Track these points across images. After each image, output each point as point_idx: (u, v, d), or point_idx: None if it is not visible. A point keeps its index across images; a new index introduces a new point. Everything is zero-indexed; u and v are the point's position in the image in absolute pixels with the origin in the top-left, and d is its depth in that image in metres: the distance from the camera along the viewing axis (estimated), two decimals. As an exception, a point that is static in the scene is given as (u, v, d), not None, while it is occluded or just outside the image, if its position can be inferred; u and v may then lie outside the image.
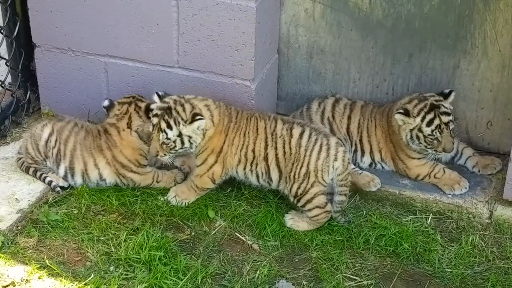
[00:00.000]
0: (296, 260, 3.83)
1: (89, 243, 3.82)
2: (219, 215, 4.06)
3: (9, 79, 4.53)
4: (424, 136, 4.02)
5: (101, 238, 3.86)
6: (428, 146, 4.04)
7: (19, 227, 3.89)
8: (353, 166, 4.19)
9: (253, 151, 3.94)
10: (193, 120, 3.83)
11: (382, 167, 4.26)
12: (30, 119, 4.61)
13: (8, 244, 3.78)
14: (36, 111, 4.67)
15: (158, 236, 3.83)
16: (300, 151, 3.86)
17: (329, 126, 4.24)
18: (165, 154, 3.90)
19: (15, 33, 4.42)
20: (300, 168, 3.86)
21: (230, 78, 4.17)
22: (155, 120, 3.87)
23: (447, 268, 3.77)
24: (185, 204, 4.06)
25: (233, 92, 4.19)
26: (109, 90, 4.42)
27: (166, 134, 3.84)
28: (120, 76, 4.37)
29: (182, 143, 3.88)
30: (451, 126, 4.04)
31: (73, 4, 4.25)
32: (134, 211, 4.02)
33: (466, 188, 4.08)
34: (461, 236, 3.94)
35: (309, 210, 3.91)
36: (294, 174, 3.87)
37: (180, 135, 3.85)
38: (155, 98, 3.94)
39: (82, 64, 4.41)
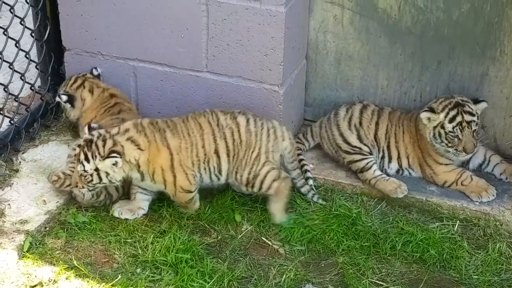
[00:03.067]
0: (322, 265, 3.84)
1: (116, 245, 3.85)
2: (245, 219, 4.07)
3: (38, 83, 4.56)
4: (445, 133, 4.02)
5: (128, 240, 3.88)
6: (449, 144, 4.04)
7: (47, 228, 3.92)
8: (379, 173, 4.19)
9: (203, 147, 3.93)
10: (107, 156, 3.77)
11: (409, 173, 4.25)
12: (58, 122, 4.64)
13: (36, 245, 3.82)
14: (65, 115, 4.71)
15: (185, 239, 3.85)
16: (251, 137, 3.93)
17: (356, 132, 4.25)
18: (83, 187, 3.86)
19: (46, 36, 4.45)
20: (252, 153, 3.93)
21: (258, 83, 4.19)
22: (77, 150, 3.86)
23: (474, 275, 3.76)
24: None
25: (261, 97, 4.21)
26: (137, 94, 4.46)
27: (83, 166, 3.80)
28: (149, 80, 4.40)
29: (100, 178, 3.81)
30: (474, 127, 4.03)
31: (103, 9, 4.29)
32: (161, 214, 4.04)
33: (493, 195, 4.07)
34: (488, 244, 3.93)
35: (268, 188, 3.97)
36: (246, 160, 3.93)
37: (97, 169, 3.80)
38: (85, 129, 3.91)
39: (111, 68, 4.44)
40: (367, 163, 4.19)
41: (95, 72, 4.43)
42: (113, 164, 3.77)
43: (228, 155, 3.95)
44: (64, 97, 4.31)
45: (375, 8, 4.24)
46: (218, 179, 4.02)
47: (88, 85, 4.37)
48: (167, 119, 3.98)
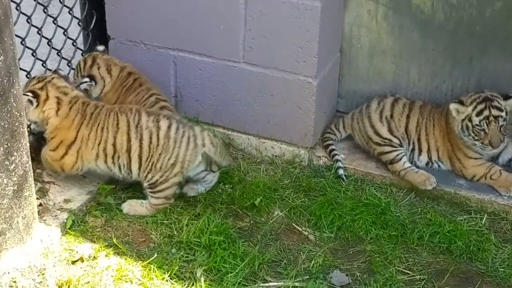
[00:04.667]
0: (351, 252, 3.95)
1: (153, 226, 3.99)
2: (277, 205, 4.19)
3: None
4: (472, 126, 4.11)
5: (164, 221, 4.02)
6: (476, 137, 4.13)
7: (88, 208, 4.08)
8: (409, 164, 4.30)
9: (114, 145, 4.00)
10: (25, 93, 3.96)
11: (438, 166, 4.35)
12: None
13: (78, 223, 3.98)
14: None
15: (218, 222, 3.98)
16: (169, 143, 3.97)
17: (387, 124, 4.36)
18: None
19: (92, 25, 4.62)
20: (168, 159, 3.97)
21: (293, 74, 4.30)
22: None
23: (500, 268, 3.83)
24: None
25: (295, 88, 4.32)
26: (177, 82, 4.60)
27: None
28: (188, 69, 4.54)
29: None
30: (501, 122, 4.11)
31: (146, 0, 4.44)
32: (196, 198, 4.17)
33: None
34: (515, 237, 4.01)
35: (157, 198, 4.05)
36: (161, 165, 3.98)
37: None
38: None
39: (153, 57, 4.59)
40: (397, 155, 4.30)
41: (100, 48, 4.55)
42: (28, 102, 3.98)
43: (140, 156, 4.00)
44: (87, 79, 4.40)
45: (408, 4, 4.34)
46: (130, 176, 4.08)
47: (103, 63, 4.49)
48: (99, 107, 4.06)
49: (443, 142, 4.32)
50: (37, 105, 4.03)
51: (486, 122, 4.11)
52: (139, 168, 4.02)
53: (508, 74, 4.31)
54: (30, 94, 4.00)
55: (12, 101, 3.38)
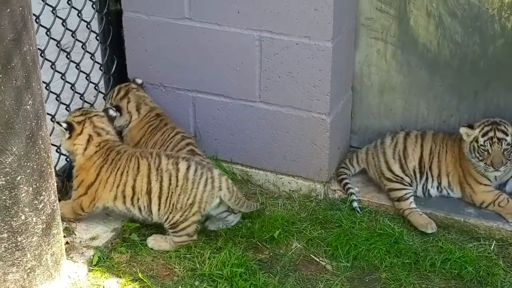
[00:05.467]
0: (367, 280, 4.10)
1: (176, 260, 4.16)
2: (295, 238, 4.36)
3: (105, 112, 4.94)
4: (478, 147, 4.30)
5: (187, 255, 4.18)
6: (480, 158, 4.30)
7: (114, 245, 4.25)
8: (415, 206, 4.47)
9: (133, 187, 4.17)
10: (60, 123, 4.24)
11: (448, 193, 4.52)
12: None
13: (104, 259, 4.14)
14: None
15: (239, 255, 4.14)
16: (187, 184, 4.13)
17: (399, 162, 4.54)
18: None
19: (113, 70, 4.81)
20: (187, 200, 4.13)
21: (308, 112, 4.48)
22: None
23: (508, 291, 4.01)
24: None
25: (309, 125, 4.51)
26: (196, 122, 4.79)
27: None
28: (206, 109, 4.73)
29: None
30: (504, 145, 4.27)
31: (165, 45, 4.65)
32: (217, 232, 4.35)
33: None
34: (523, 262, 4.17)
35: (180, 236, 4.20)
36: (181, 205, 4.14)
37: None
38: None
39: (172, 98, 4.78)
40: (405, 193, 4.48)
41: (138, 81, 4.73)
42: (62, 130, 4.23)
43: (160, 197, 4.16)
44: (112, 112, 4.45)
45: (415, 43, 4.54)
46: (150, 217, 4.24)
47: (134, 99, 4.68)
48: (120, 153, 4.23)
49: (455, 167, 4.48)
50: (69, 137, 4.24)
51: (489, 143, 4.29)
52: (159, 210, 4.18)
53: (510, 108, 4.49)
54: (64, 124, 4.22)
55: (40, 143, 3.54)
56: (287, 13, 4.28)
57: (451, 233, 4.39)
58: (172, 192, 4.15)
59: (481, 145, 4.30)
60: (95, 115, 4.31)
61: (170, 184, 4.15)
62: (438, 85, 4.60)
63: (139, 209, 4.22)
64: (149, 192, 4.17)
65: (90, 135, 4.25)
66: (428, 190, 4.55)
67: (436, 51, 4.51)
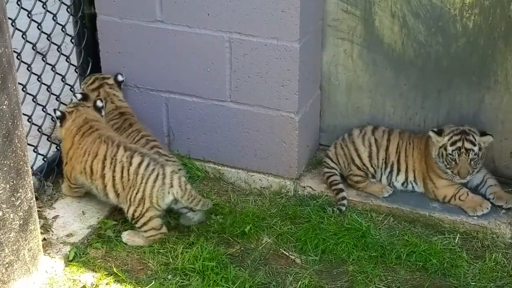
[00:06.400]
0: (334, 273, 4.23)
1: (150, 255, 4.27)
2: (265, 233, 4.48)
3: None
4: (446, 155, 4.42)
5: (161, 250, 4.29)
6: (447, 166, 4.44)
7: (89, 241, 4.36)
8: (374, 180, 4.68)
9: (91, 168, 4.35)
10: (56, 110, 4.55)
11: (413, 187, 4.66)
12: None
13: (80, 255, 4.25)
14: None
15: (211, 249, 4.25)
16: (137, 178, 4.25)
17: (369, 149, 4.68)
18: None
19: (88, 71, 4.93)
20: (137, 194, 4.25)
21: (277, 110, 4.60)
22: None
23: (471, 282, 4.12)
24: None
25: (279, 124, 4.63)
26: (169, 122, 4.91)
27: None
28: (179, 109, 4.84)
29: None
30: (471, 155, 4.40)
31: (138, 47, 4.76)
32: (190, 228, 4.46)
33: (487, 208, 4.45)
34: (485, 254, 4.29)
35: (146, 231, 4.32)
36: (131, 198, 4.27)
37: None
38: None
39: (146, 99, 4.89)
40: (365, 179, 4.68)
41: (120, 78, 4.84)
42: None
43: (114, 187, 4.31)
44: (79, 95, 4.72)
45: (381, 43, 4.67)
46: (108, 200, 4.40)
47: (103, 95, 4.78)
48: (94, 127, 4.44)
49: (420, 164, 4.62)
50: (61, 126, 4.49)
51: (457, 153, 4.41)
52: (117, 198, 4.33)
53: (473, 105, 4.63)
54: (59, 113, 4.51)
55: (17, 141, 3.66)
56: (255, 15, 4.41)
57: (416, 227, 4.52)
58: (124, 185, 4.28)
59: (449, 154, 4.42)
60: (82, 106, 4.55)
61: (122, 176, 4.28)
62: (403, 84, 4.73)
63: (97, 189, 4.38)
64: (103, 177, 4.32)
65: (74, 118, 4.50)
66: (392, 182, 4.69)
67: (400, 50, 4.65)
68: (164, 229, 4.36)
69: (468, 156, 4.41)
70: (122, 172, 4.29)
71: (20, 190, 3.74)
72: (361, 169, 4.69)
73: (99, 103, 4.59)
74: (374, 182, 4.66)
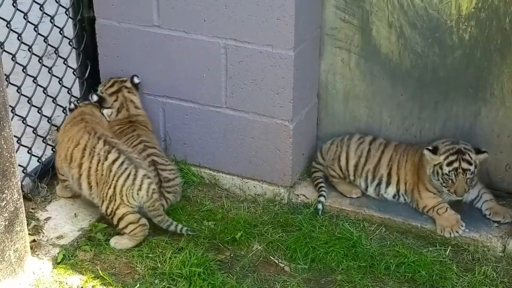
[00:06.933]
0: (322, 282, 4.22)
1: (139, 259, 4.28)
2: (256, 240, 4.48)
3: (79, 116, 5.08)
4: (442, 174, 4.38)
5: (149, 255, 4.30)
6: (443, 184, 4.40)
7: (79, 243, 4.38)
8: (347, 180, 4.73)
9: (71, 155, 4.41)
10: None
11: (405, 200, 4.64)
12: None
13: (68, 257, 4.27)
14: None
15: (199, 255, 4.26)
16: (110, 174, 4.30)
17: (357, 159, 4.69)
18: None
19: (86, 74, 4.96)
20: (108, 189, 4.30)
21: (271, 118, 4.60)
22: None
23: (459, 295, 4.13)
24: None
25: (273, 131, 4.63)
26: (165, 127, 4.93)
27: None
28: (176, 114, 4.85)
29: None
30: (468, 175, 4.36)
31: (136, 51, 4.79)
32: (181, 233, 4.48)
33: (457, 232, 4.39)
34: (475, 267, 4.26)
35: (124, 227, 4.33)
36: (104, 194, 4.32)
37: None
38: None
39: (143, 103, 4.89)
40: (340, 178, 4.74)
41: (136, 80, 4.84)
42: None
43: (88, 178, 4.38)
44: (95, 97, 4.75)
45: (378, 53, 4.66)
46: (81, 190, 4.46)
47: (120, 100, 4.81)
48: (84, 118, 4.53)
49: (412, 176, 4.59)
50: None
51: (454, 173, 4.36)
52: (90, 190, 4.38)
53: (469, 117, 4.60)
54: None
55: (3, 143, 3.68)
56: (250, 22, 4.42)
57: (408, 238, 4.50)
58: (98, 179, 4.33)
59: (446, 174, 4.37)
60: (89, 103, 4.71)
61: (97, 169, 4.33)
62: (400, 94, 4.72)
63: (72, 178, 4.43)
64: (80, 166, 4.38)
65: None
66: (382, 194, 4.67)
67: (397, 61, 4.64)
68: (143, 221, 4.36)
69: (465, 176, 4.37)
70: (97, 164, 4.34)
71: (6, 191, 3.77)
72: (342, 172, 4.72)
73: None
74: (347, 181, 4.70)
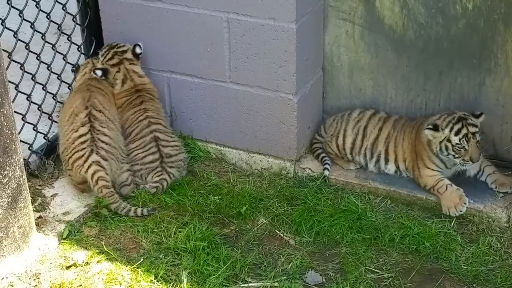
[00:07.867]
0: (327, 255, 4.23)
1: (144, 234, 4.31)
2: (262, 214, 4.49)
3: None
4: (452, 146, 4.34)
5: (155, 230, 4.34)
6: (456, 155, 4.35)
7: (85, 219, 4.42)
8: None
9: (63, 117, 4.58)
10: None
11: (406, 175, 4.62)
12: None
13: (74, 232, 4.32)
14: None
15: (204, 230, 4.29)
16: (71, 146, 4.46)
17: (354, 136, 4.70)
18: None
19: (91, 51, 4.99)
20: (67, 155, 4.49)
21: (275, 92, 4.60)
22: None
23: (463, 265, 4.10)
24: None
25: (277, 105, 4.62)
26: (171, 102, 4.94)
27: None
28: (181, 89, 4.87)
29: None
30: (478, 137, 4.35)
31: (139, 26, 4.79)
32: (186, 208, 4.50)
33: (461, 211, 4.36)
34: (480, 238, 4.25)
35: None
36: (64, 156, 4.53)
37: None
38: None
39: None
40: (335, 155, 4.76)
41: (138, 50, 4.82)
42: None
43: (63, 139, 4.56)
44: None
45: (382, 24, 4.63)
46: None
47: (123, 72, 4.82)
48: (89, 87, 4.68)
49: (410, 153, 4.58)
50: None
51: (465, 140, 4.32)
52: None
53: (473, 88, 4.57)
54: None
55: (3, 120, 3.72)
56: (252, -5, 4.41)
57: (413, 210, 4.50)
58: (69, 145, 4.48)
59: (457, 143, 4.33)
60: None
61: (69, 138, 4.49)
62: (405, 66, 4.68)
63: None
64: (62, 127, 4.59)
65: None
66: (383, 170, 4.67)
67: (401, 32, 4.60)
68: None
69: (476, 139, 4.35)
70: (70, 132, 4.50)
71: (8, 168, 3.80)
72: (339, 150, 4.73)
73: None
74: (346, 160, 4.72)
